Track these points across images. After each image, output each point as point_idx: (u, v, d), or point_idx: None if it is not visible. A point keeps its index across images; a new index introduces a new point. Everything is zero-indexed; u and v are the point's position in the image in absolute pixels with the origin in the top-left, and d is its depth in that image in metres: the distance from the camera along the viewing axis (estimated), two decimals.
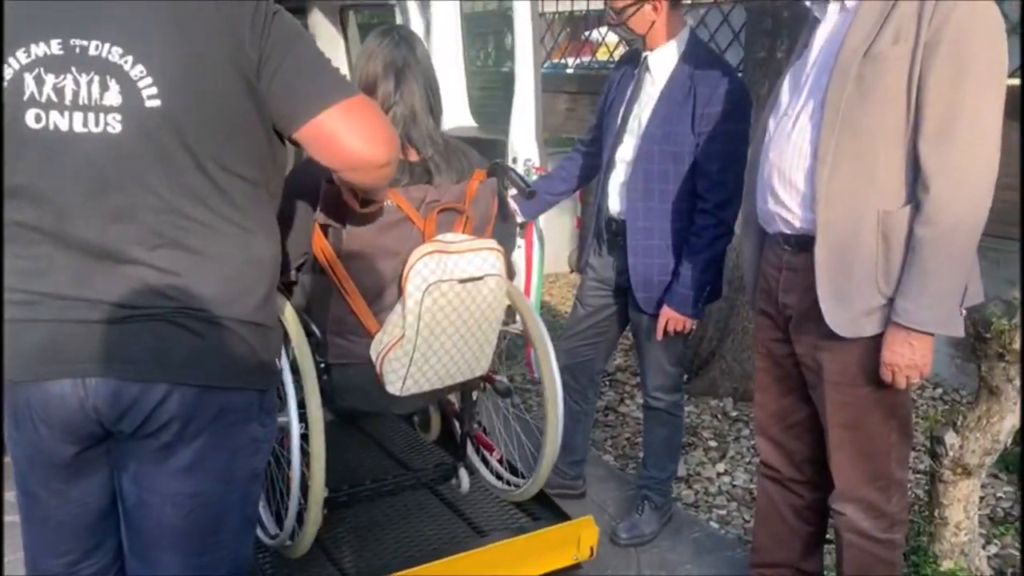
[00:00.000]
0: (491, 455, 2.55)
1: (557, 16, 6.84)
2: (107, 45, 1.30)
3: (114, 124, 1.31)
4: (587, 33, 7.42)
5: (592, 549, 2.29)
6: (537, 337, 2.26)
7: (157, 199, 1.35)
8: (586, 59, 7.14)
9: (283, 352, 1.94)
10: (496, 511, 2.46)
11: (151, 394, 1.39)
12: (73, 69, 1.29)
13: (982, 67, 1.62)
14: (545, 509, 2.41)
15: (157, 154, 1.33)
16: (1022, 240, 1.81)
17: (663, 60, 2.46)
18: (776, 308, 1.98)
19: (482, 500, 2.51)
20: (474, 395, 2.45)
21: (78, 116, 1.31)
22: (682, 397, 2.77)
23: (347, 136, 1.43)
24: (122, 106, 1.31)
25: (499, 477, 2.52)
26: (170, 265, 1.38)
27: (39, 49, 1.28)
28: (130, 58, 1.30)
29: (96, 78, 1.30)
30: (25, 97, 1.28)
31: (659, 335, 2.51)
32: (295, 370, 2.00)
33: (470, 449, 2.49)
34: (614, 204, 2.57)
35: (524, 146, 2.93)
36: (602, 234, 2.65)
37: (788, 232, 1.87)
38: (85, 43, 1.30)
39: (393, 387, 2.04)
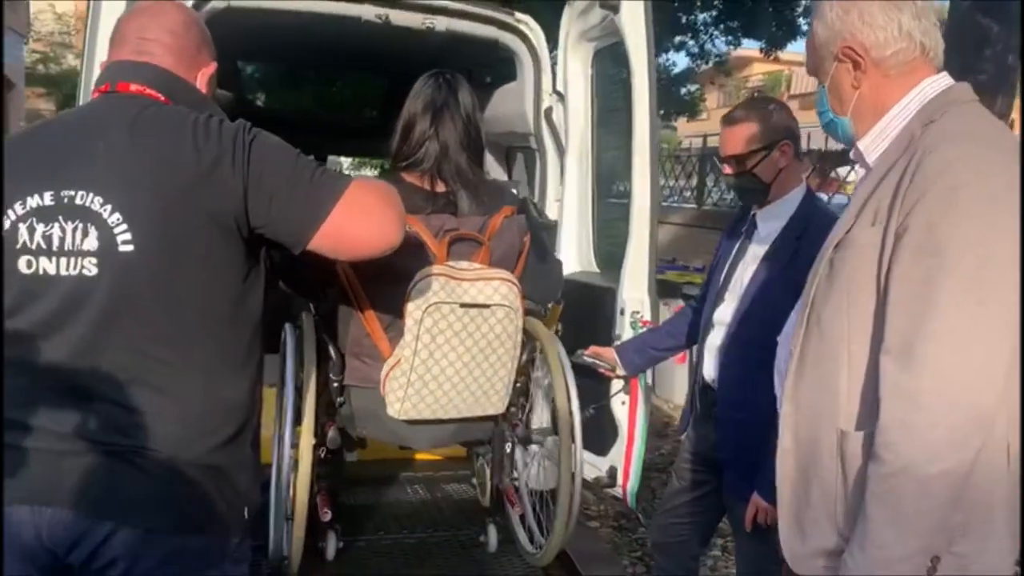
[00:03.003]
0: (513, 510, 2.47)
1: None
2: (90, 195, 1.40)
3: (90, 267, 1.39)
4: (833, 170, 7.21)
5: None
6: (559, 386, 2.18)
7: (124, 338, 1.40)
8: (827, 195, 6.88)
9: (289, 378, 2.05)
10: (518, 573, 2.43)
11: (97, 530, 1.40)
12: (60, 218, 1.40)
13: (961, 266, 1.19)
14: (559, 566, 2.33)
15: (126, 296, 1.40)
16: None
17: (772, 217, 2.22)
18: None
19: (510, 560, 2.47)
20: (507, 447, 2.42)
21: (63, 260, 1.40)
22: None
23: (357, 229, 1.49)
24: (98, 251, 1.39)
25: (531, 539, 2.42)
26: (131, 403, 1.41)
27: (33, 201, 1.40)
28: (109, 207, 1.39)
29: (79, 225, 1.39)
30: (18, 245, 1.40)
31: (747, 526, 2.17)
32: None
33: (516, 514, 2.46)
34: (709, 370, 2.31)
35: (634, 296, 2.74)
36: (696, 401, 2.38)
37: None
38: (72, 193, 1.40)
39: (392, 409, 2.05)
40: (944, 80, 1.39)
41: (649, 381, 2.78)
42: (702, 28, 10.27)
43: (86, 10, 2.17)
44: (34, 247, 1.40)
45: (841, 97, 1.44)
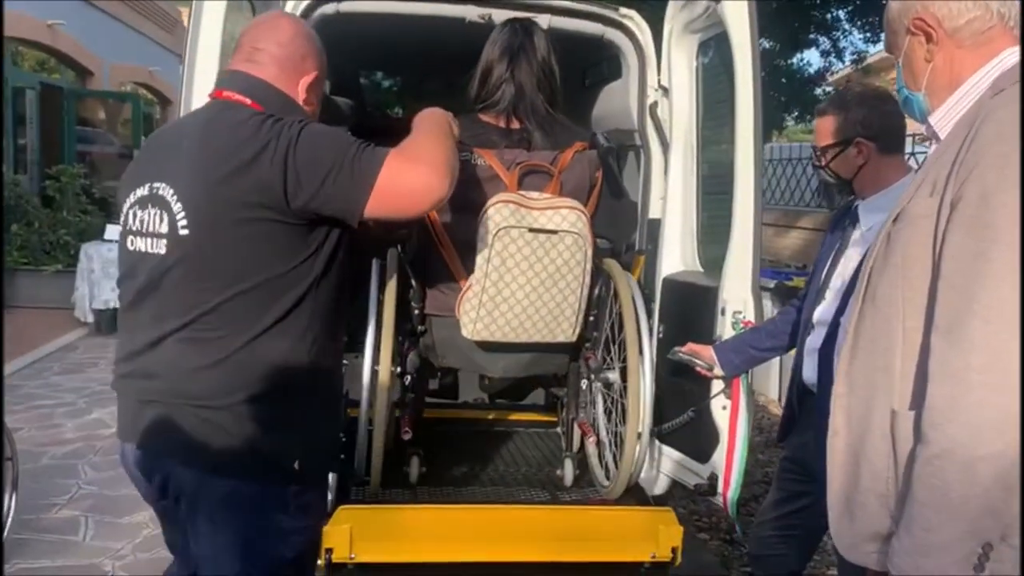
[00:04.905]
0: (588, 439, 2.49)
1: None
2: (167, 186, 1.67)
3: (161, 247, 1.68)
4: None
5: (675, 552, 2.09)
6: (628, 316, 2.18)
7: (183, 305, 1.66)
8: None
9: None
10: (580, 497, 2.47)
11: (162, 466, 1.70)
12: (149, 205, 1.70)
13: (1014, 239, 1.11)
14: (632, 498, 2.34)
15: (185, 270, 1.65)
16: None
17: (876, 209, 2.08)
18: None
19: (585, 493, 2.49)
20: (582, 383, 2.49)
21: (147, 240, 1.70)
22: None
23: (403, 188, 1.61)
24: (167, 233, 1.67)
25: (607, 473, 2.42)
26: (183, 360, 1.66)
27: (140, 192, 1.72)
28: (176, 196, 1.66)
29: (157, 212, 1.68)
30: (127, 227, 1.74)
31: None
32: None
33: (591, 445, 2.48)
34: (808, 373, 2.18)
35: (735, 295, 2.62)
36: (795, 407, 2.26)
37: None
38: (158, 185, 1.69)
39: (466, 330, 2.14)
40: None
41: (767, 386, 2.65)
42: (834, 25, 9.79)
43: (187, 22, 2.34)
44: (135, 229, 1.71)
45: (914, 71, 1.38)
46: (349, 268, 1.83)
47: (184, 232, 1.63)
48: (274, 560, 1.71)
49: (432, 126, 1.82)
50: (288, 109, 1.72)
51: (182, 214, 1.63)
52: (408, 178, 1.61)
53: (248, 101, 1.71)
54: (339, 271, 1.76)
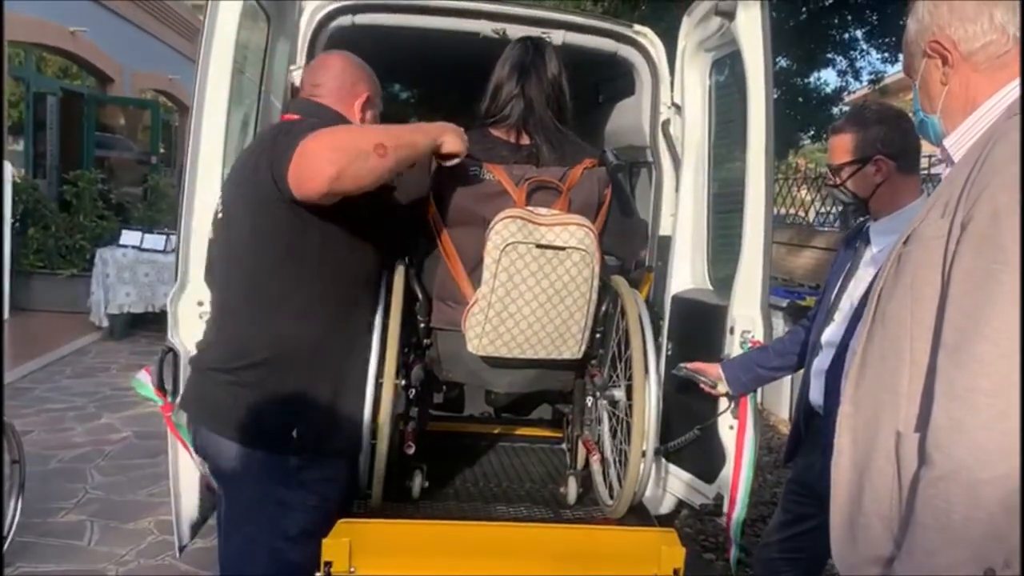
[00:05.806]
0: (592, 457, 2.49)
1: None
2: (224, 189, 2.04)
3: (213, 232, 2.02)
4: None
5: (677, 573, 2.05)
6: (634, 332, 2.16)
7: (216, 283, 1.98)
8: None
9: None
10: (583, 515, 2.44)
11: (194, 428, 1.95)
12: (217, 209, 2.02)
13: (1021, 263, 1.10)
14: (635, 517, 2.33)
15: (218, 250, 1.99)
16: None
17: (887, 231, 2.07)
18: None
19: (588, 511, 2.46)
20: (588, 401, 2.48)
21: (212, 229, 2.05)
22: None
23: (300, 169, 1.71)
24: (215, 222, 2.00)
25: (611, 492, 2.39)
26: (209, 331, 1.97)
27: (217, 200, 2.04)
28: (222, 192, 2.02)
29: (218, 205, 2.00)
30: (214, 218, 2.05)
31: None
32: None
33: (595, 463, 2.48)
34: (815, 394, 2.16)
35: (744, 314, 2.60)
36: (802, 428, 2.23)
37: None
38: (223, 190, 2.04)
39: (471, 345, 2.13)
40: None
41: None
42: (852, 45, 9.76)
43: (199, 44, 2.43)
44: (216, 218, 2.00)
45: (930, 94, 1.37)
46: (368, 256, 1.99)
47: (220, 215, 1.93)
48: (275, 532, 1.80)
49: (402, 126, 1.99)
50: (334, 122, 1.92)
51: (221, 205, 1.93)
52: (307, 160, 1.69)
53: (299, 118, 1.93)
54: (350, 256, 1.92)
